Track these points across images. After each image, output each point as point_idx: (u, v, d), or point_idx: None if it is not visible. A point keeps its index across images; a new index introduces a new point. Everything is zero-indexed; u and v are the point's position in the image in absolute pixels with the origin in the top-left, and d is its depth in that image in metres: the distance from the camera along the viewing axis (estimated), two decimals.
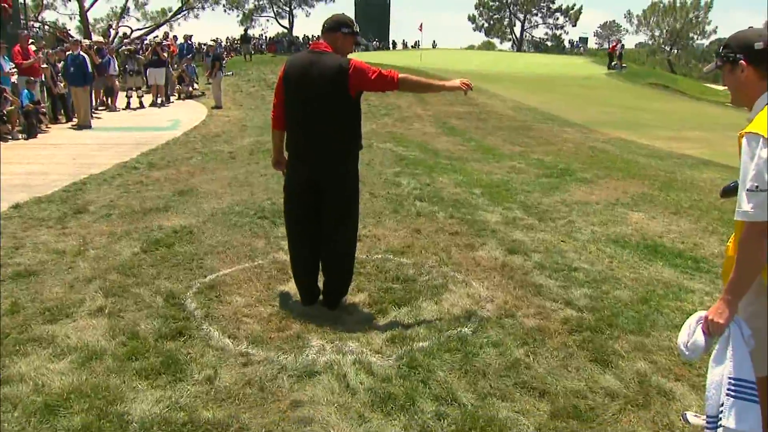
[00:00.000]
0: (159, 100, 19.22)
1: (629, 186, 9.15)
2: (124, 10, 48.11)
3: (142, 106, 18.68)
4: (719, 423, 2.49)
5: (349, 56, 4.33)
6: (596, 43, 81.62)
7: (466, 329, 4.25)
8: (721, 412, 2.48)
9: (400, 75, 4.31)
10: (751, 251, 2.43)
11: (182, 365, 3.68)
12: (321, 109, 4.23)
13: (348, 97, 4.23)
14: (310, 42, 28.55)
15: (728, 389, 2.47)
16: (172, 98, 19.71)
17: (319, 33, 4.52)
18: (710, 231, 6.90)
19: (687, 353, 2.67)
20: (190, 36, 26.89)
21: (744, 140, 2.42)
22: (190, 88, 21.10)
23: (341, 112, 4.26)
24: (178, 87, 21.17)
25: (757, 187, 2.34)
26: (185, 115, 16.98)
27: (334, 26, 4.37)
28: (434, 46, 58.66)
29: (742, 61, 2.51)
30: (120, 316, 4.34)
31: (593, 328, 4.32)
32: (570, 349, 4.03)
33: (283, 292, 4.88)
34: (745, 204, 2.38)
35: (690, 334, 2.65)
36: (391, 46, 64.00)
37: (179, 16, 50.53)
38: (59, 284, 4.91)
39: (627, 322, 4.46)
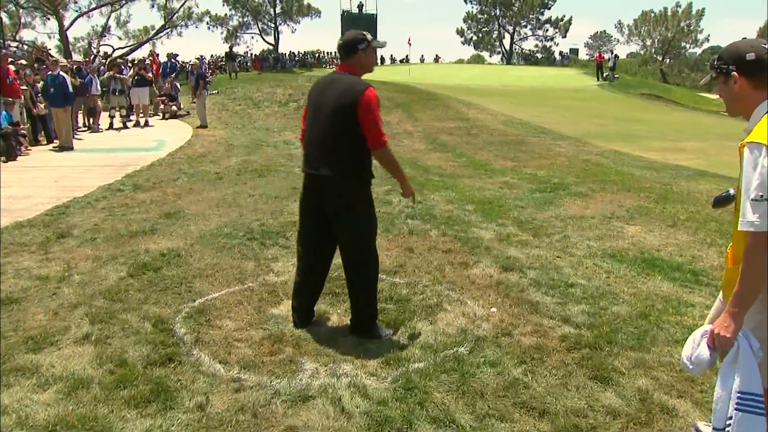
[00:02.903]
0: (142, 121, 19.23)
1: (625, 199, 9.21)
2: (105, 28, 48.31)
3: (125, 126, 18.67)
4: None
5: (369, 84, 4.29)
6: (587, 54, 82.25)
7: (463, 349, 4.26)
8: (729, 425, 2.52)
9: (387, 146, 4.31)
10: (757, 262, 2.46)
11: (172, 393, 3.66)
12: (328, 128, 4.29)
13: (355, 125, 4.23)
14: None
15: (738, 403, 2.50)
16: (150, 119, 19.67)
17: (336, 55, 4.54)
18: (708, 243, 6.94)
19: (691, 367, 2.70)
20: (175, 54, 27.00)
21: (746, 150, 2.47)
22: (174, 108, 21.11)
23: (345, 135, 4.25)
24: (162, 107, 21.19)
25: (761, 196, 2.38)
26: (170, 135, 16.99)
27: (351, 48, 4.41)
28: (422, 60, 59.01)
29: (734, 73, 2.57)
30: (107, 343, 4.32)
31: (592, 345, 4.33)
32: (569, 367, 4.04)
33: (275, 314, 4.87)
34: (750, 214, 2.42)
35: (694, 348, 2.68)
36: (379, 61, 64.32)
37: (162, 34, 50.87)
38: (43, 311, 4.88)
39: (626, 338, 4.48)
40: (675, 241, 7.04)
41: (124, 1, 47.72)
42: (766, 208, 2.38)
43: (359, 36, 4.44)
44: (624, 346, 4.35)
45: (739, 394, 2.51)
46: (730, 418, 2.53)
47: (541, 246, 6.74)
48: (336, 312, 4.93)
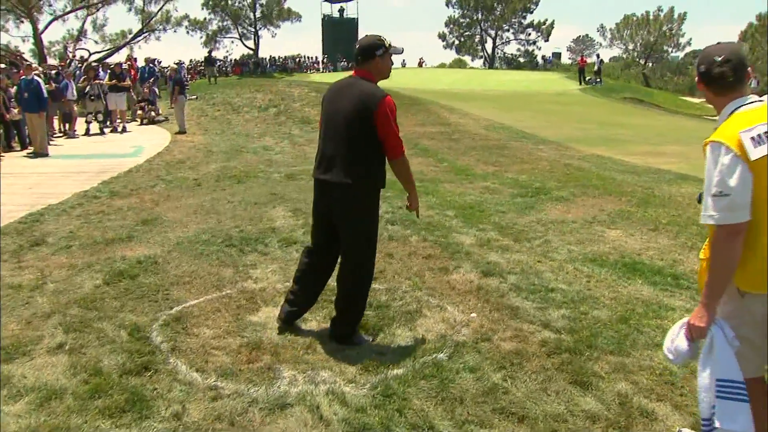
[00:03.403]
0: (120, 126, 19.12)
1: (606, 203, 9.29)
2: (81, 32, 47.96)
3: (102, 132, 18.56)
4: (713, 425, 2.68)
5: (386, 93, 4.29)
6: (570, 58, 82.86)
7: (442, 355, 4.28)
8: (713, 414, 2.67)
9: (405, 156, 4.39)
10: (722, 252, 2.67)
11: (148, 402, 3.65)
12: (342, 134, 4.30)
13: (371, 133, 4.25)
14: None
15: (717, 391, 2.67)
16: (127, 125, 19.55)
17: (354, 63, 4.55)
18: (689, 247, 7.02)
19: (672, 358, 2.90)
20: (153, 59, 26.87)
21: (708, 148, 2.68)
22: (153, 113, 21.02)
23: (359, 142, 4.27)
24: (140, 112, 21.09)
25: (720, 192, 2.60)
26: (148, 141, 16.90)
27: (368, 54, 4.41)
28: (404, 65, 59.10)
29: (697, 80, 2.83)
30: (81, 352, 4.30)
31: (572, 350, 4.37)
32: (549, 372, 4.08)
33: (253, 322, 4.87)
34: (711, 209, 2.64)
35: (673, 339, 2.87)
36: None
37: (140, 38, 50.54)
38: (15, 321, 4.84)
39: (606, 342, 4.52)
40: (656, 245, 7.12)
41: (100, 5, 47.36)
42: (725, 202, 2.59)
43: (377, 42, 4.42)
44: (604, 351, 4.39)
45: (718, 382, 2.66)
46: (714, 406, 2.67)
47: (521, 251, 6.79)
48: (315, 319, 4.94)
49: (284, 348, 4.41)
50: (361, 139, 4.25)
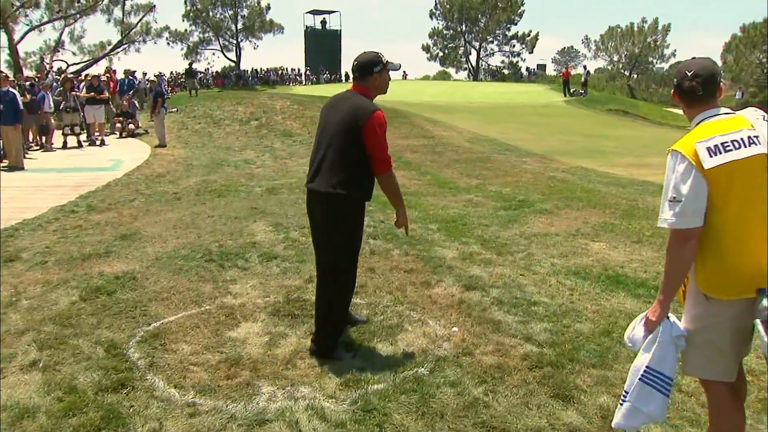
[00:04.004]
0: (98, 139, 19.05)
1: (590, 216, 9.38)
2: (59, 43, 47.77)
3: (80, 145, 18.48)
4: (626, 399, 3.02)
5: (377, 108, 4.41)
6: (554, 70, 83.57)
7: (423, 369, 4.31)
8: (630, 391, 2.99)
9: (391, 171, 4.55)
10: (675, 254, 2.88)
11: (124, 419, 3.65)
12: (331, 146, 4.43)
13: (359, 146, 4.36)
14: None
15: (642, 374, 2.96)
16: (106, 138, 19.47)
17: (352, 77, 4.67)
18: None
19: (630, 345, 3.15)
20: (133, 71, 26.83)
21: (669, 156, 2.90)
22: (132, 126, 20.96)
23: (346, 154, 4.39)
24: (118, 125, 21.02)
25: (674, 198, 2.81)
26: (127, 154, 16.85)
27: (365, 70, 4.54)
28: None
29: (672, 92, 3.02)
30: (56, 369, 4.29)
31: (554, 364, 4.41)
32: (530, 386, 4.11)
33: (232, 337, 4.88)
34: (666, 213, 2.84)
35: (634, 328, 3.13)
36: (343, 77, 64.62)
37: (119, 50, 50.42)
38: None
39: (589, 355, 4.56)
40: (639, 258, 7.19)
41: (78, 15, 47.20)
42: (678, 208, 2.79)
43: (375, 58, 4.56)
44: (586, 364, 4.43)
45: (646, 368, 2.95)
46: (633, 385, 2.99)
47: (504, 264, 6.84)
48: (295, 334, 4.96)
49: (263, 363, 4.42)
50: (348, 151, 4.36)
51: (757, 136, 2.83)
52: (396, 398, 3.91)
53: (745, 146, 2.79)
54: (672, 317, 3.01)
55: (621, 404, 3.08)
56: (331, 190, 4.36)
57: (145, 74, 27.47)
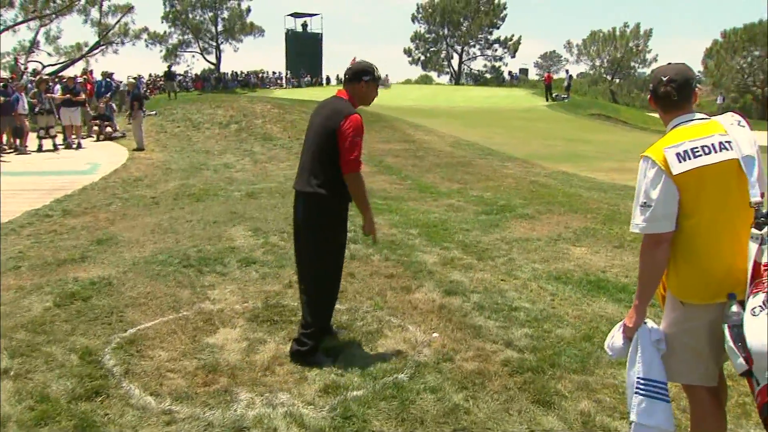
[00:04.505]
0: (74, 143, 18.87)
1: (571, 220, 9.43)
2: (34, 44, 47.27)
3: (55, 148, 18.30)
4: (631, 420, 2.98)
5: (354, 112, 4.53)
6: (537, 74, 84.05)
7: (403, 375, 4.31)
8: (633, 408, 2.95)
9: (359, 173, 4.53)
10: (648, 259, 2.92)
11: (98, 428, 3.62)
12: (311, 148, 4.59)
13: (335, 148, 4.45)
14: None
15: (637, 388, 2.94)
16: (82, 141, 19.30)
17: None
18: None
19: (610, 353, 3.17)
20: (110, 73, 26.64)
21: (641, 161, 2.93)
22: (109, 129, 20.80)
23: (324, 157, 4.50)
24: (95, 128, 20.85)
25: (645, 203, 2.85)
26: (104, 157, 16.71)
27: (355, 77, 4.64)
28: None
29: (649, 97, 3.06)
30: (28, 377, 4.23)
31: (535, 369, 4.43)
32: (511, 392, 4.13)
33: (210, 344, 4.85)
34: (637, 218, 2.89)
35: (613, 336, 3.14)
36: (324, 81, 64.58)
37: (96, 51, 50.00)
38: None
39: (570, 360, 4.59)
40: (621, 262, 7.23)
41: (54, 16, 46.74)
42: (648, 213, 2.83)
43: (368, 68, 4.67)
44: (567, 369, 4.45)
45: (639, 380, 2.94)
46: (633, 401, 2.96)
47: (485, 269, 6.86)
48: (273, 340, 4.94)
49: (241, 370, 4.40)
50: (326, 152, 4.48)
51: (729, 142, 2.85)
52: (375, 405, 3.91)
53: (716, 151, 2.83)
54: (649, 322, 3.03)
55: (630, 426, 3.04)
56: (310, 189, 4.49)
57: (112, 74, 27.14)
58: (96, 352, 4.62)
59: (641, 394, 2.93)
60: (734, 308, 2.77)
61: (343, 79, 4.81)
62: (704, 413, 3.06)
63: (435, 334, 5.04)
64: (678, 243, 2.87)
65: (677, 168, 2.79)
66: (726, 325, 2.77)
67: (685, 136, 2.87)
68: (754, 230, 2.83)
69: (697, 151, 2.82)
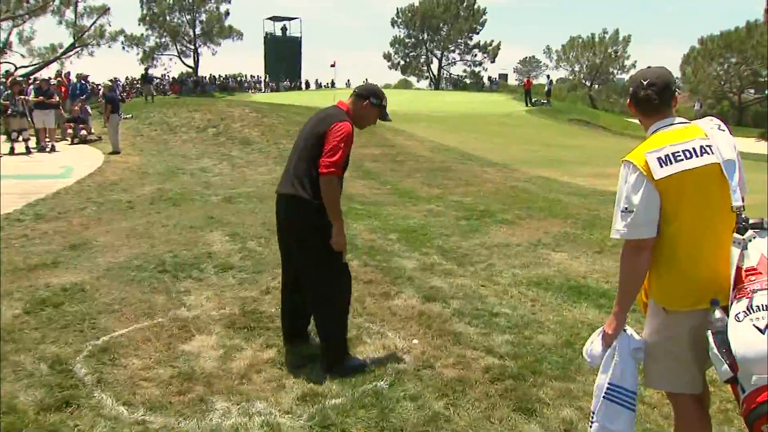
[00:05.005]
0: (48, 146, 18.62)
1: (551, 226, 9.43)
2: (6, 44, 46.65)
3: (28, 151, 18.04)
4: (594, 419, 3.00)
5: (347, 120, 4.47)
6: (516, 80, 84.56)
7: (382, 383, 4.26)
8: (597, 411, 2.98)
9: (334, 177, 4.34)
10: (628, 265, 2.89)
11: None
12: (301, 151, 4.49)
13: (321, 150, 4.36)
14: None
15: (606, 392, 2.94)
16: (56, 144, 19.05)
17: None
18: None
19: (588, 360, 3.13)
20: (86, 75, 26.37)
21: (622, 166, 2.89)
22: (84, 132, 20.56)
23: (314, 160, 4.36)
24: (70, 131, 20.61)
25: (626, 208, 2.81)
26: (79, 161, 16.49)
27: (364, 94, 4.64)
28: (348, 85, 59.38)
29: (628, 101, 3.03)
30: None
31: (516, 376, 4.40)
32: (492, 399, 4.09)
33: (186, 351, 4.78)
34: (618, 223, 2.85)
35: (592, 342, 3.10)
36: (303, 85, 64.50)
37: (71, 53, 49.44)
38: None
39: (551, 367, 4.56)
40: (601, 268, 7.24)
41: (27, 16, 46.13)
42: (629, 219, 2.79)
43: (379, 92, 4.69)
44: (549, 376, 4.43)
45: (608, 385, 2.94)
46: (599, 404, 2.97)
47: (465, 275, 6.83)
48: (251, 347, 4.87)
49: (217, 378, 4.33)
50: (313, 154, 4.36)
51: (710, 146, 2.83)
52: (354, 413, 3.86)
53: (697, 156, 2.80)
54: (629, 330, 3.00)
55: (590, 425, 3.07)
56: (295, 193, 4.37)
57: (87, 76, 26.87)
58: (67, 361, 4.52)
59: (609, 399, 2.94)
60: (717, 314, 2.74)
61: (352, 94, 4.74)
62: (689, 421, 3.04)
63: (415, 341, 5.00)
64: (660, 249, 2.84)
65: (659, 173, 2.76)
66: (710, 332, 2.73)
67: (667, 140, 2.84)
68: (736, 235, 2.82)
69: (679, 156, 2.79)
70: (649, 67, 3.03)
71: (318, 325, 4.62)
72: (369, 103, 4.59)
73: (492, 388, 4.24)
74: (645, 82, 2.91)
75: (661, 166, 2.77)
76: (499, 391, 4.19)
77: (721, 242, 2.83)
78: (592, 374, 4.43)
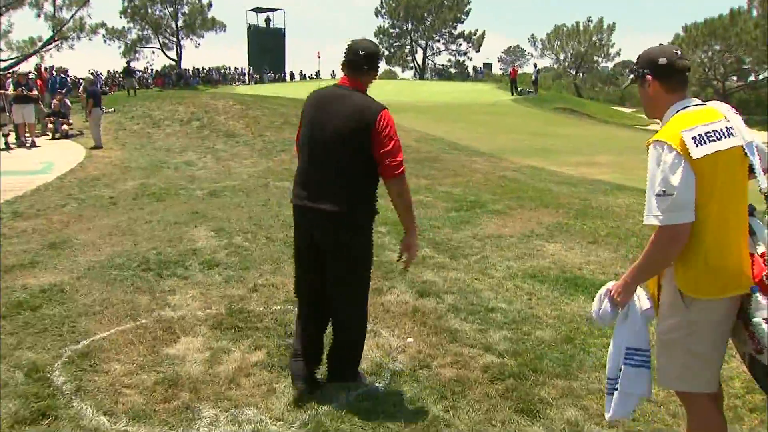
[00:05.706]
0: (28, 141, 18.29)
1: (543, 216, 9.28)
2: None
3: (7, 147, 17.70)
4: (616, 386, 2.96)
5: (385, 106, 3.83)
6: (501, 69, 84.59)
7: (378, 385, 4.11)
8: (619, 376, 2.95)
9: (405, 176, 3.89)
10: (660, 252, 2.71)
11: None
12: (334, 154, 3.81)
13: (368, 151, 3.77)
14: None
15: (625, 357, 2.94)
16: (36, 139, 18.72)
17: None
18: (630, 259, 7.00)
19: (598, 320, 3.09)
20: (66, 69, 26.02)
21: (651, 147, 2.70)
22: (65, 127, 20.24)
23: (355, 164, 3.80)
24: (50, 126, 20.28)
25: (664, 191, 2.61)
26: (59, 156, 16.23)
27: (374, 64, 3.98)
28: (333, 76, 59.19)
29: (648, 77, 2.82)
30: None
31: (516, 375, 4.25)
32: (493, 400, 3.94)
33: (171, 355, 4.58)
34: (655, 209, 2.64)
35: (600, 302, 3.05)
36: (288, 77, 64.13)
37: (51, 46, 48.80)
38: None
39: (552, 364, 4.42)
40: (597, 259, 7.10)
41: (4, 9, 45.40)
42: (669, 202, 2.60)
43: (380, 51, 4.10)
44: (550, 374, 4.29)
45: (628, 350, 2.93)
46: (620, 370, 2.95)
47: (458, 268, 6.66)
48: (239, 349, 4.68)
49: (204, 383, 4.13)
50: (358, 159, 3.77)
51: (731, 128, 2.72)
52: (349, 419, 3.69)
53: (726, 137, 2.68)
54: (638, 290, 2.96)
55: (609, 393, 3.02)
56: (347, 209, 3.78)
57: (67, 70, 26.58)
58: (44, 368, 4.30)
59: (629, 364, 2.92)
60: (762, 300, 2.64)
61: (347, 62, 3.91)
62: (705, 422, 2.89)
63: (410, 339, 4.83)
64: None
65: (696, 152, 2.59)
66: (761, 319, 2.63)
67: (696, 119, 2.69)
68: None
69: (711, 136, 2.64)
70: (660, 45, 2.92)
71: (348, 345, 4.13)
72: (375, 71, 3.98)
73: (492, 389, 4.09)
74: (678, 52, 2.76)
75: (697, 146, 2.60)
76: (499, 392, 4.05)
77: (745, 227, 2.75)
78: (594, 371, 4.32)
